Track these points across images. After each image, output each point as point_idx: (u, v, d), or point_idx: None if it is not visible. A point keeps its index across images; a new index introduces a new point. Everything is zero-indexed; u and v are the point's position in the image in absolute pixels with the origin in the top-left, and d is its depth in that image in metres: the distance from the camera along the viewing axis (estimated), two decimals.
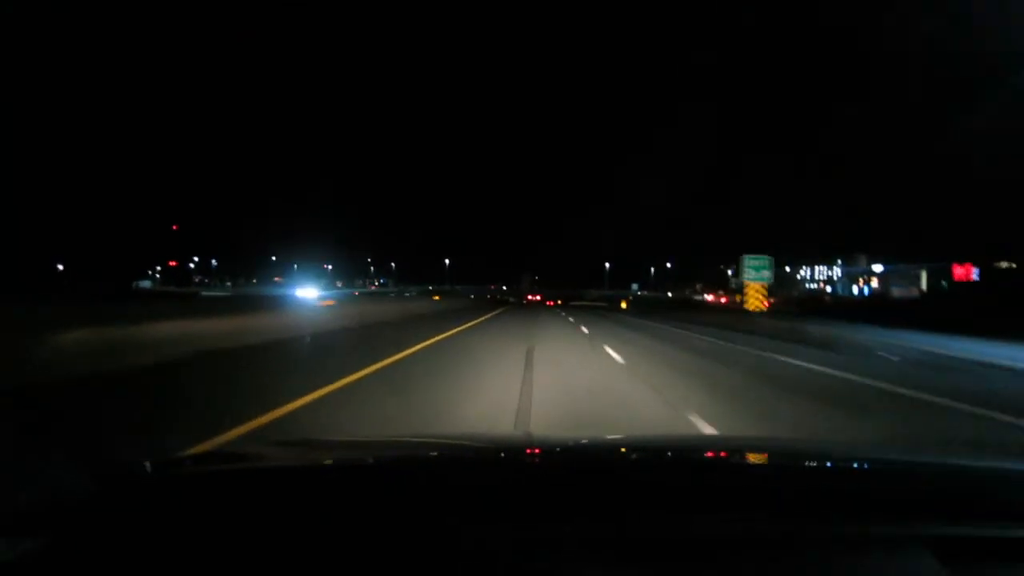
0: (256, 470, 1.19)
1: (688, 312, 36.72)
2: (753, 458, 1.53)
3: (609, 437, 2.27)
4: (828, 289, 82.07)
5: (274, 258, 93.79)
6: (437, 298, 38.52)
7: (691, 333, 17.73)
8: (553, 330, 17.25)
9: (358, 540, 0.84)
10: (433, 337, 12.68)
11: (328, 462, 1.34)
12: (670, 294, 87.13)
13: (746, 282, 28.87)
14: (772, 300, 28.85)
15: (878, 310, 31.24)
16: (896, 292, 50.60)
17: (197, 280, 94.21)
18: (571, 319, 25.06)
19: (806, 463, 1.44)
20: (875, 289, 71.67)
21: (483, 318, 23.63)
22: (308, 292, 34.83)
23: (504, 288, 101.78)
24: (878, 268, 73.30)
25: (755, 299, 28.18)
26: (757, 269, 28.70)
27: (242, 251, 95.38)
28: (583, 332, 16.40)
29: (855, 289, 75.69)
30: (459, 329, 15.96)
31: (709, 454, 1.60)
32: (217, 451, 2.68)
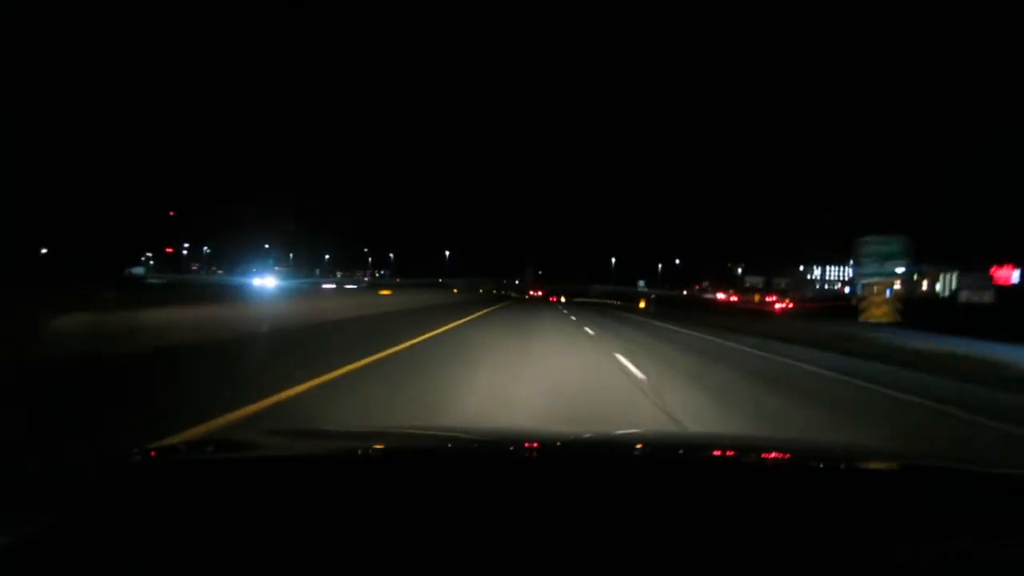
0: (251, 459, 1.19)
1: (736, 319, 25.89)
2: (770, 457, 1.46)
3: (613, 432, 2.21)
4: (847, 290, 78.95)
5: (267, 246, 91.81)
6: (386, 292, 26.84)
7: (829, 371, 9.78)
8: (575, 373, 7.80)
9: (354, 530, 0.84)
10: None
11: (325, 452, 1.32)
12: (685, 292, 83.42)
13: (867, 280, 19.09)
14: (900, 304, 19.71)
15: (960, 318, 23.87)
16: (964, 296, 47.80)
17: (195, 268, 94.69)
18: (589, 329, 15.84)
19: (826, 464, 1.38)
20: (897, 291, 68.51)
21: (431, 334, 12.27)
22: (267, 281, 31.00)
23: (512, 282, 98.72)
24: (899, 269, 70.06)
25: (883, 305, 18.19)
26: (886, 257, 18.14)
27: (238, 238, 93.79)
28: (633, 374, 7.65)
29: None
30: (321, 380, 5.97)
31: (720, 452, 1.52)
32: (212, 438, 2.68)
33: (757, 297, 65.92)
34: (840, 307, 50.93)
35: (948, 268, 60.52)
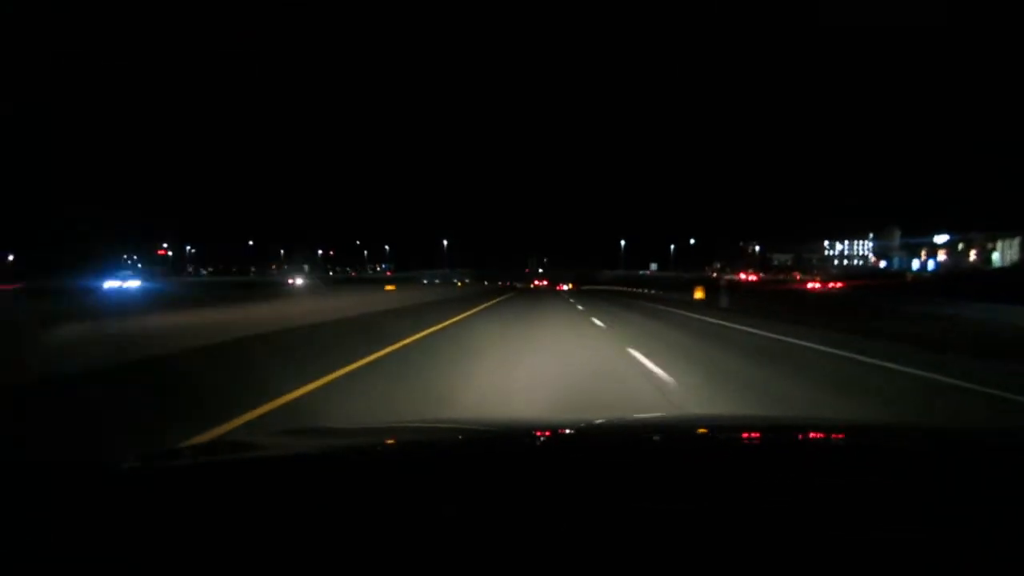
0: (256, 460, 1.19)
1: (817, 312, 16.23)
2: (801, 439, 1.36)
3: (627, 416, 2.15)
4: (883, 264, 73.69)
5: (251, 243, 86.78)
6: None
7: None
8: None
9: (358, 529, 0.82)
10: None
11: (331, 451, 1.31)
12: (715, 274, 77.32)
13: None
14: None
15: None
16: None
17: (191, 270, 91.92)
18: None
19: (875, 446, 1.28)
20: (942, 262, 63.14)
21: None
22: (113, 284, 18.79)
23: (516, 271, 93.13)
24: (941, 239, 64.94)
25: None
26: None
27: (233, 238, 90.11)
28: None
29: (915, 263, 66.99)
30: None
31: (746, 434, 1.43)
32: (219, 441, 2.73)
33: (798, 276, 59.44)
34: (885, 285, 45.18)
35: (1006, 234, 54.99)
